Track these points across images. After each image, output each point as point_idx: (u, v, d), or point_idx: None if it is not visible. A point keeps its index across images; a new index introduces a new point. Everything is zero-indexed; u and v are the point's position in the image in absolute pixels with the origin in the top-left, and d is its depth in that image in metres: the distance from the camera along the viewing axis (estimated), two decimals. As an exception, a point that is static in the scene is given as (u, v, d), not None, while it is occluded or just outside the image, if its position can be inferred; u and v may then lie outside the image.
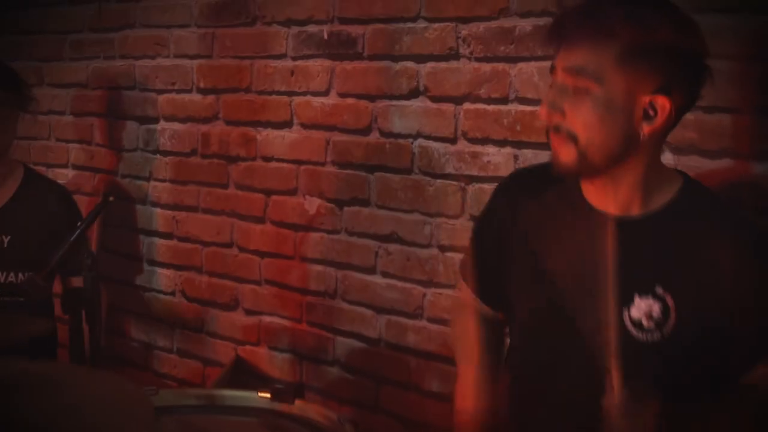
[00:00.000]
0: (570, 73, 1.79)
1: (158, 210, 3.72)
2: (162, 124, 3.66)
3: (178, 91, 3.59)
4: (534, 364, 2.03)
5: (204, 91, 3.50)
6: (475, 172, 2.80)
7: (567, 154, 1.82)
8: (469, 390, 2.21)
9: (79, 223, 2.77)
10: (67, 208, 3.55)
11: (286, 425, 2.48)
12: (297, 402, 2.51)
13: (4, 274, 3.37)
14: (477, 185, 2.81)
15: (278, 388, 2.57)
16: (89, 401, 1.80)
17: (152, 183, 3.73)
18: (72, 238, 2.72)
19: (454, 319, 2.37)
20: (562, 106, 1.80)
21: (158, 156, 3.69)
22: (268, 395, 2.54)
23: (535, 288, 2.00)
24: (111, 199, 2.73)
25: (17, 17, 4.25)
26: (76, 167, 4.07)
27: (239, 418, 2.49)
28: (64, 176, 4.06)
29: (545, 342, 1.99)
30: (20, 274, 3.37)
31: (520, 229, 2.04)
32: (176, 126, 3.61)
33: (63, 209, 3.51)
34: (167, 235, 3.70)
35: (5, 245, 3.38)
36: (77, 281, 3.05)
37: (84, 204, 3.69)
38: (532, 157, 2.66)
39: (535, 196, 2.03)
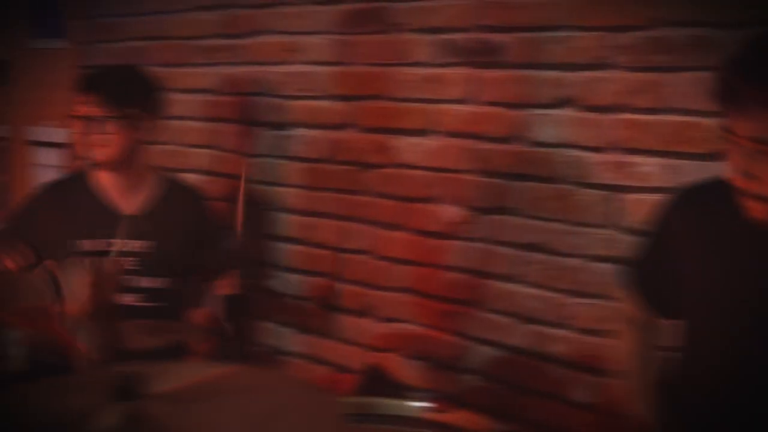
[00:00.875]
0: (758, 142, 1.78)
1: (290, 216, 3.74)
2: (293, 131, 3.68)
3: (311, 98, 3.61)
4: (717, 370, 2.05)
5: (337, 98, 3.51)
6: (623, 182, 2.78)
7: (763, 212, 1.83)
8: (636, 400, 2.24)
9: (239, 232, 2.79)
10: (205, 212, 3.59)
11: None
12: (453, 411, 2.52)
13: (149, 280, 3.41)
14: (625, 195, 2.79)
15: (430, 396, 2.58)
16: (283, 407, 1.83)
17: (284, 188, 3.76)
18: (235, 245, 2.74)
19: (621, 331, 2.37)
20: (757, 174, 1.80)
21: (290, 162, 3.71)
22: (424, 404, 2.55)
23: (716, 299, 2.01)
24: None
25: (146, 22, 4.31)
26: (205, 173, 4.11)
27: (397, 427, 2.51)
28: (190, 180, 4.10)
29: (729, 352, 2.01)
30: (160, 280, 3.42)
31: (697, 242, 2.05)
32: (308, 132, 3.63)
33: (201, 213, 3.56)
34: (301, 241, 3.72)
35: (148, 251, 3.43)
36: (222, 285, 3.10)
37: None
38: (683, 168, 2.64)
39: (711, 212, 2.03)
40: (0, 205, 5.31)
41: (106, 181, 3.44)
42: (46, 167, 4.96)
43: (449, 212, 3.21)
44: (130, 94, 3.31)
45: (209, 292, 3.36)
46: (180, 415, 1.78)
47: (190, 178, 4.07)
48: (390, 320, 3.45)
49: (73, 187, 3.49)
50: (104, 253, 3.34)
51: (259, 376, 2.14)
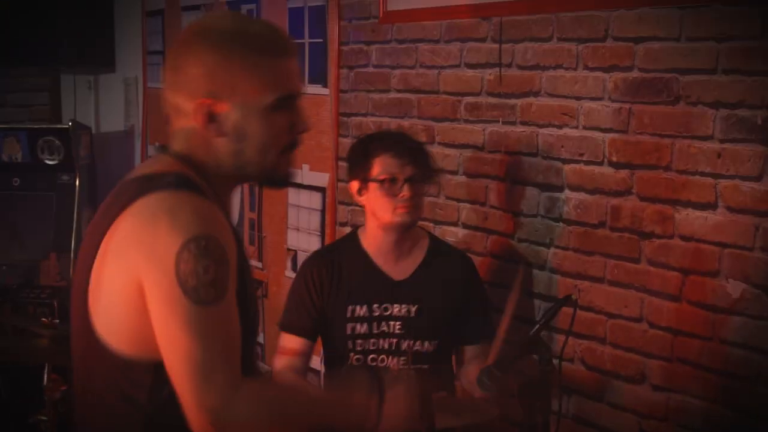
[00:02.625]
0: None
1: (558, 277, 3.77)
2: (567, 193, 3.71)
3: (587, 163, 3.62)
4: None
5: (617, 165, 3.52)
6: None
7: None
8: None
9: (539, 319, 2.83)
10: (472, 277, 3.66)
11: None
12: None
13: (412, 342, 3.50)
14: None
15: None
16: None
17: (553, 250, 3.79)
18: (533, 331, 2.79)
19: None
20: None
21: (561, 224, 3.74)
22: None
23: None
24: (574, 297, 2.79)
25: (409, 76, 4.40)
26: (466, 227, 4.18)
27: None
28: (453, 234, 4.18)
29: None
30: (426, 343, 3.51)
31: None
32: (583, 196, 3.65)
33: (468, 278, 3.63)
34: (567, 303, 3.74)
35: (413, 314, 3.52)
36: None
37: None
38: None
39: None
40: (252, 242, 5.50)
41: (378, 246, 3.55)
42: (300, 208, 5.11)
43: (734, 288, 3.18)
44: (430, 157, 3.45)
45: (501, 381, 3.40)
46: None
47: (450, 230, 4.15)
48: (663, 389, 3.43)
49: (345, 251, 3.62)
50: (377, 318, 3.46)
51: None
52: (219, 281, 2.04)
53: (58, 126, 6.18)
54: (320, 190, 4.96)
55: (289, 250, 5.18)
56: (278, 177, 2.33)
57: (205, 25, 2.33)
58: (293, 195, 5.15)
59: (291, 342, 3.57)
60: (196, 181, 2.18)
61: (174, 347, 2.03)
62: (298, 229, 5.12)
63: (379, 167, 3.44)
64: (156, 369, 2.09)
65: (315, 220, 5.01)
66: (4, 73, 6.65)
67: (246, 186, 5.45)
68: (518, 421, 2.84)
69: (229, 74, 2.20)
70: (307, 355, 3.60)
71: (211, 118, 2.20)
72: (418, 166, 3.45)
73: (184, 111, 2.22)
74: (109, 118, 7.08)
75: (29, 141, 6.07)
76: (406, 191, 3.41)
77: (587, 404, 3.72)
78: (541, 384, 2.73)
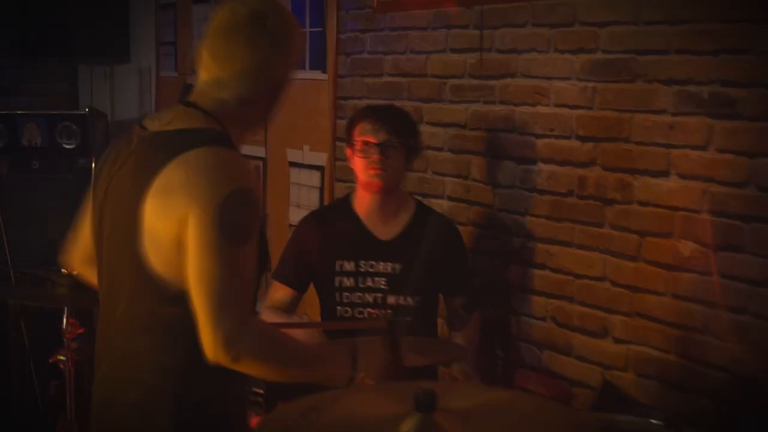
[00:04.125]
0: None
1: (533, 243, 4.11)
2: (540, 166, 4.05)
3: (557, 137, 3.97)
4: None
5: (583, 139, 3.86)
6: None
7: None
8: None
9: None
10: (455, 241, 4.00)
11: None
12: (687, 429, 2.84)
13: (397, 297, 3.85)
14: None
15: (669, 415, 2.91)
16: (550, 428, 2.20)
17: (527, 217, 4.13)
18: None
19: None
20: None
21: (535, 194, 4.08)
22: (662, 422, 2.89)
23: None
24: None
25: (401, 61, 4.75)
26: (451, 199, 4.53)
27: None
28: (438, 206, 4.51)
29: None
30: (409, 298, 3.85)
31: None
32: (554, 168, 3.99)
33: (450, 242, 3.98)
34: (541, 266, 4.08)
35: (398, 272, 3.87)
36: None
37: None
38: None
39: None
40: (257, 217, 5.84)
41: (366, 208, 3.90)
42: (301, 186, 5.45)
43: (685, 247, 3.51)
44: (410, 128, 3.80)
45: (466, 320, 3.75)
46: (466, 428, 2.16)
47: (437, 203, 4.49)
48: (624, 342, 3.77)
49: (337, 213, 3.97)
50: (363, 274, 3.81)
51: (528, 400, 2.51)
52: (251, 227, 2.47)
53: (76, 112, 6.48)
54: (319, 168, 5.31)
55: (291, 225, 5.50)
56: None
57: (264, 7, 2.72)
58: (294, 173, 5.50)
59: (279, 291, 3.93)
60: (225, 135, 2.56)
61: (202, 276, 2.41)
62: (299, 206, 5.46)
63: (357, 132, 3.81)
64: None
65: (314, 197, 5.36)
66: (24, 64, 6.95)
67: (251, 166, 5.80)
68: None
69: (292, 51, 2.71)
70: (292, 306, 3.95)
71: (275, 88, 2.67)
72: (392, 133, 3.79)
73: (254, 80, 2.63)
74: (124, 107, 7.42)
75: (48, 126, 6.37)
76: (376, 154, 3.75)
77: (557, 359, 4.06)
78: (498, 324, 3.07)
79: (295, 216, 5.44)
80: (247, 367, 2.48)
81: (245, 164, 2.60)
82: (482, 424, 2.18)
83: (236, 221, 2.42)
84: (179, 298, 2.48)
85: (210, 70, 2.68)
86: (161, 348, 2.57)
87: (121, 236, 2.57)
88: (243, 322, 2.42)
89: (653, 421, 2.94)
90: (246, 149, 5.73)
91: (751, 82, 3.29)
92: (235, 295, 2.42)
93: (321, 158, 5.29)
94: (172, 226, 2.45)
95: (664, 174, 3.57)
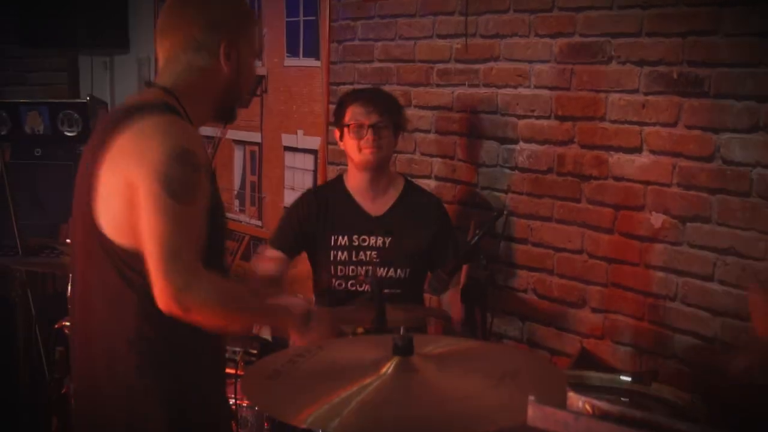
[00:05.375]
0: None
1: (515, 218, 4.32)
2: (521, 145, 4.25)
3: (537, 117, 4.17)
4: None
5: (561, 119, 4.06)
6: (807, 197, 3.27)
7: None
8: None
9: (477, 231, 3.38)
10: (441, 218, 4.21)
11: (645, 403, 3.02)
12: (654, 384, 3.05)
13: (386, 269, 4.06)
14: (808, 208, 3.27)
15: (637, 372, 3.11)
16: (517, 369, 2.40)
17: (510, 195, 4.33)
18: (473, 241, 3.33)
19: None
20: None
21: (516, 172, 4.28)
22: (629, 378, 3.10)
23: None
24: (504, 213, 3.33)
25: (390, 47, 4.94)
26: (438, 178, 4.73)
27: (604, 395, 3.05)
28: (426, 185, 4.71)
29: None
30: (399, 271, 4.06)
31: None
32: (534, 147, 4.20)
33: (437, 218, 4.18)
34: (523, 241, 4.29)
35: (387, 245, 4.07)
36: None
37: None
38: None
39: None
40: (252, 202, 6.04)
41: (357, 185, 4.11)
42: (296, 169, 5.65)
43: (656, 219, 3.72)
44: (397, 108, 4.01)
45: (447, 283, 3.94)
46: (441, 370, 2.36)
47: (424, 183, 4.69)
48: (600, 311, 3.97)
49: (331, 191, 4.18)
50: (356, 248, 4.02)
51: (498, 348, 2.71)
52: (193, 186, 2.60)
53: (77, 101, 6.66)
54: (313, 152, 5.51)
55: (285, 208, 5.70)
56: (235, 113, 2.92)
57: None
58: (289, 158, 5.70)
59: (272, 254, 4.13)
60: (178, 107, 2.74)
61: (151, 233, 2.56)
62: (293, 188, 5.65)
63: (349, 115, 4.02)
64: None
65: (308, 180, 5.56)
66: (25, 54, 7.14)
67: (247, 152, 6.01)
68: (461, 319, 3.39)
69: (244, 24, 2.89)
70: (279, 270, 4.14)
71: (228, 55, 2.80)
72: (382, 114, 4.01)
73: (204, 48, 2.80)
74: (124, 96, 7.57)
75: (50, 114, 6.53)
76: (369, 135, 3.97)
77: (538, 329, 4.26)
78: (480, 285, 3.26)
79: (290, 199, 5.62)
80: (200, 317, 2.59)
81: (191, 129, 2.72)
82: (455, 365, 2.38)
83: (178, 179, 2.56)
84: (131, 262, 2.63)
85: (164, 48, 2.86)
86: (115, 312, 2.70)
87: (81, 207, 2.73)
88: (192, 275, 2.54)
89: (622, 377, 3.14)
90: (242, 135, 6.01)
91: (717, 62, 3.49)
92: (184, 250, 2.55)
93: (315, 142, 5.48)
94: (121, 190, 2.60)
95: (637, 150, 3.77)
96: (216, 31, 2.81)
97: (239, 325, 2.85)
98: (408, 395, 2.25)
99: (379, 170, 4.08)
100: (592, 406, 2.53)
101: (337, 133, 4.13)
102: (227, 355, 3.42)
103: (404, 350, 2.36)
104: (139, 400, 2.68)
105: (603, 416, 2.02)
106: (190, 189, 2.59)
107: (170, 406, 2.70)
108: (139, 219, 2.58)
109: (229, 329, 2.82)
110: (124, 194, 2.60)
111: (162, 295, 2.54)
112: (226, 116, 2.95)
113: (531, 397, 1.79)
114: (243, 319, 2.84)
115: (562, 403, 2.21)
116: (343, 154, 4.34)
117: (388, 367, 2.32)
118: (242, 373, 3.52)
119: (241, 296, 2.78)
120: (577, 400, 2.58)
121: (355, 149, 4.02)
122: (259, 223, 5.96)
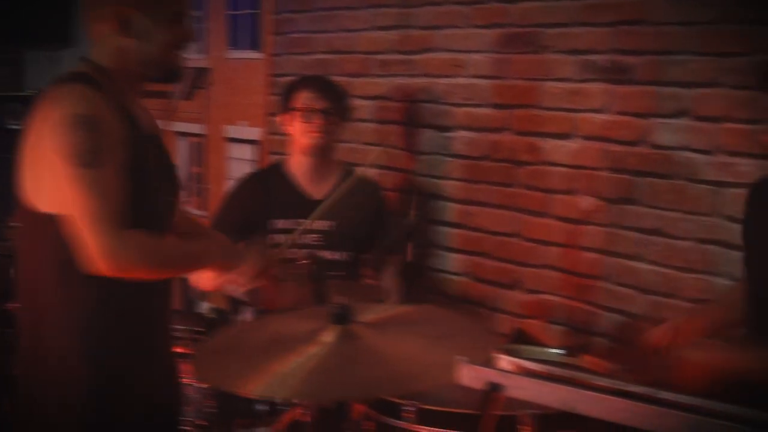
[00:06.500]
0: None
1: (452, 204, 4.45)
2: (458, 133, 4.39)
3: (474, 106, 4.31)
4: None
5: (497, 107, 4.20)
6: (727, 179, 3.42)
7: None
8: None
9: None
10: (379, 201, 4.33)
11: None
12: (583, 356, 3.19)
13: (331, 253, 4.17)
14: (729, 190, 3.42)
15: (569, 346, 3.25)
16: (452, 331, 2.53)
17: (448, 181, 4.47)
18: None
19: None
20: None
21: (453, 159, 4.42)
22: (562, 351, 3.24)
23: None
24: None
25: (331, 39, 5.06)
26: (378, 166, 4.84)
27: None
28: (368, 173, 4.83)
29: None
30: (339, 253, 4.17)
31: None
32: (471, 134, 4.33)
33: (376, 201, 4.30)
34: (460, 225, 4.42)
35: (328, 228, 4.18)
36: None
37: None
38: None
39: None
40: (197, 193, 6.13)
41: (300, 170, 4.21)
42: (239, 160, 5.75)
43: (586, 202, 3.87)
44: (344, 96, 4.12)
45: (386, 265, 4.07)
46: (378, 335, 2.49)
47: (366, 171, 4.80)
48: (534, 292, 4.12)
49: (273, 175, 4.28)
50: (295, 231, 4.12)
51: (434, 312, 2.84)
52: (96, 149, 2.60)
53: (23, 93, 6.70)
54: (255, 143, 5.61)
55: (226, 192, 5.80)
56: (173, 72, 2.97)
57: None
58: (233, 149, 5.80)
59: None
60: (95, 77, 2.75)
61: (69, 201, 2.59)
62: (237, 179, 5.75)
63: (300, 99, 4.11)
64: None
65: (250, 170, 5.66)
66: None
67: (190, 143, 6.10)
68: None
69: None
70: None
71: (125, 24, 2.78)
72: (330, 100, 4.12)
73: (102, 18, 2.78)
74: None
75: (-5, 107, 6.61)
76: (319, 119, 4.08)
77: (475, 311, 4.39)
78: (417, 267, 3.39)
79: (233, 188, 5.73)
80: (131, 273, 2.63)
81: (93, 95, 2.66)
82: (394, 330, 2.51)
83: (81, 144, 2.56)
84: (58, 228, 2.65)
85: (88, 27, 2.85)
86: (48, 277, 2.73)
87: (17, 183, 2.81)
88: (116, 236, 2.57)
89: (553, 350, 3.28)
90: (186, 127, 6.09)
91: (644, 50, 3.65)
92: (104, 211, 2.56)
93: (256, 133, 5.58)
94: (43, 159, 2.61)
95: (569, 136, 3.92)
96: (107, 2, 2.78)
97: (171, 275, 2.93)
98: (351, 360, 2.36)
99: (323, 155, 4.18)
100: (519, 366, 2.64)
101: (285, 118, 4.21)
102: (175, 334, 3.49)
103: (343, 319, 2.47)
104: (76, 366, 2.75)
105: (528, 373, 2.15)
106: (93, 153, 2.60)
107: (107, 373, 2.77)
108: (59, 185, 2.62)
109: (161, 277, 2.87)
110: (46, 164, 2.62)
111: (91, 259, 2.59)
112: (165, 79, 2.96)
113: (459, 357, 1.91)
114: (173, 270, 2.92)
115: (491, 363, 2.32)
116: (284, 144, 4.44)
117: (330, 336, 2.43)
118: (189, 351, 3.61)
119: (167, 249, 2.81)
120: (505, 362, 2.70)
121: (302, 133, 4.11)
122: (203, 213, 6.04)
